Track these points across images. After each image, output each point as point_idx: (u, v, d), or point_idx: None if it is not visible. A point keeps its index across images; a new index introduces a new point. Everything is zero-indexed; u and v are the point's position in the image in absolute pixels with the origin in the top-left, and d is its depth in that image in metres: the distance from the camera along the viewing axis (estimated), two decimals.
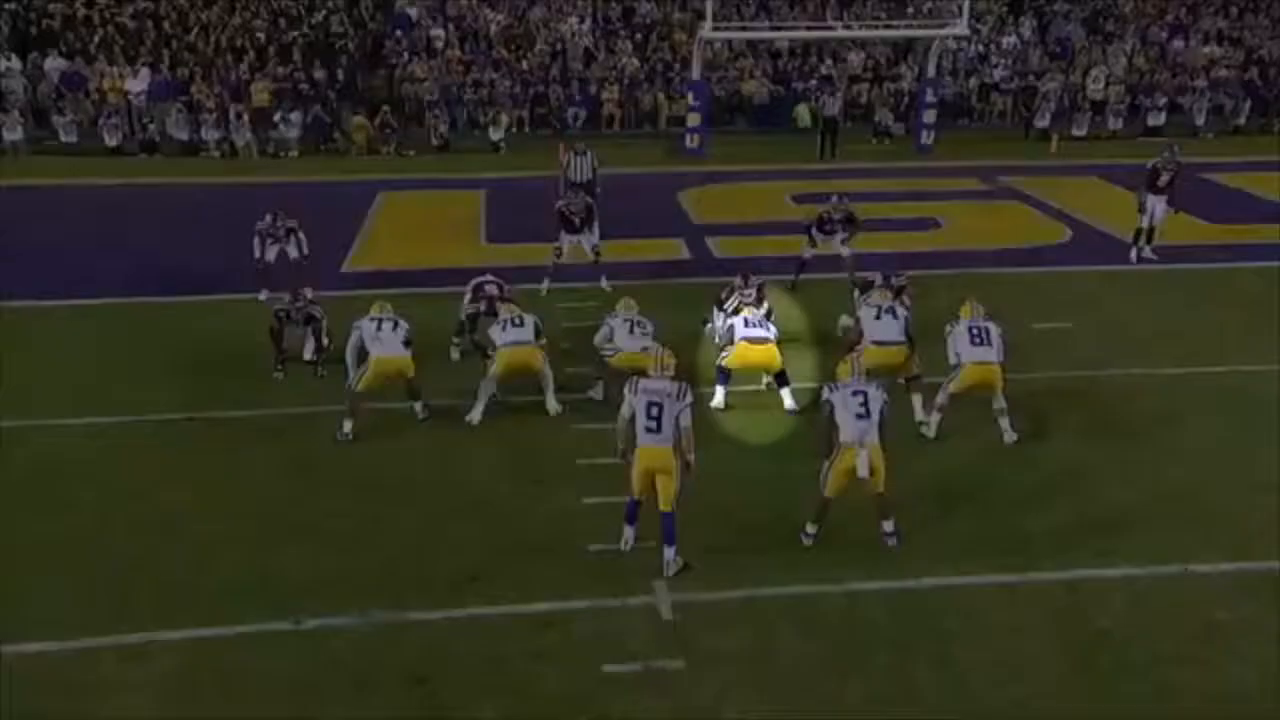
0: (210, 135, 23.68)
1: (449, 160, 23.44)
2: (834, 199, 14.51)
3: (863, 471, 7.98)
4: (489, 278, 12.02)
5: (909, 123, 25.94)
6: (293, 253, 13.72)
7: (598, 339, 10.91)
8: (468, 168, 22.31)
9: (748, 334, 10.64)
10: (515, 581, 7.85)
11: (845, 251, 14.11)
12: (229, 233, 16.10)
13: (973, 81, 28.56)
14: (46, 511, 8.71)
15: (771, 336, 10.69)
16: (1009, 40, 29.98)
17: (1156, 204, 15.46)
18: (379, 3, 28.87)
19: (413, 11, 28.61)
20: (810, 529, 8.37)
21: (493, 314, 11.14)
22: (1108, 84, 27.89)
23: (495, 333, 10.62)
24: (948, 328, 10.25)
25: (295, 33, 27.20)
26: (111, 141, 23.51)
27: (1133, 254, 15.64)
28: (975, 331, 10.06)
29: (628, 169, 22.08)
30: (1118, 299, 14.12)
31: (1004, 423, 10.08)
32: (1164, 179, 15.36)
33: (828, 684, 6.85)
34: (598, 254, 14.27)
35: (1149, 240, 15.68)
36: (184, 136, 23.87)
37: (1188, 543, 8.32)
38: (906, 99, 27.04)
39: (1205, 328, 12.94)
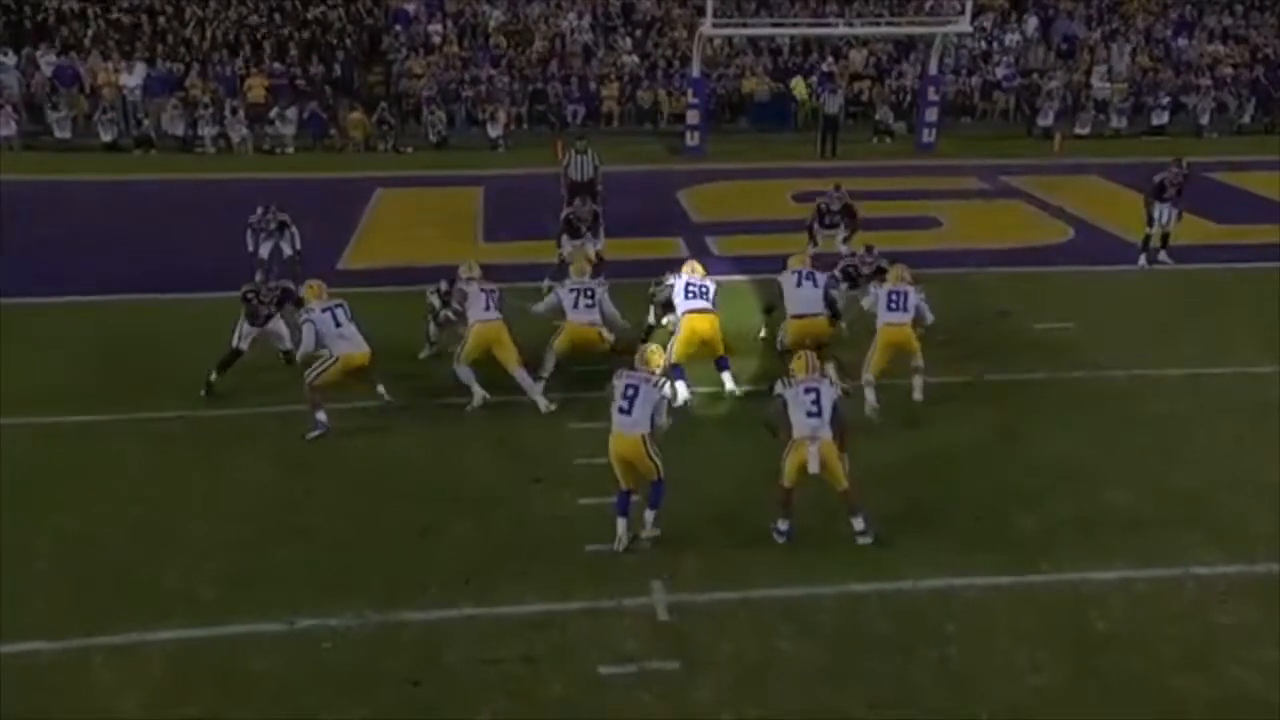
0: (206, 131, 23.55)
1: (447, 157, 23.37)
2: (832, 190, 14.50)
3: (813, 467, 7.93)
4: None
5: (911, 121, 25.84)
6: (286, 250, 13.59)
7: (541, 308, 11.07)
8: (465, 164, 22.23)
9: (690, 306, 10.58)
10: (510, 582, 7.77)
11: (845, 250, 14.00)
12: (223, 229, 16.03)
13: (975, 79, 28.48)
14: (36, 511, 8.61)
15: (712, 306, 10.62)
16: (1012, 38, 29.89)
17: (1163, 210, 15.28)
18: None
19: (411, 7, 28.50)
20: (781, 525, 8.26)
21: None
22: (1112, 82, 27.82)
23: (472, 310, 10.66)
24: (872, 291, 10.86)
25: (291, 28, 27.08)
26: (106, 137, 23.40)
27: (1141, 259, 15.44)
28: (893, 297, 10.51)
29: (627, 167, 22.00)
30: (1120, 299, 14.03)
31: (916, 380, 10.58)
32: (1170, 192, 15.19)
33: (824, 686, 6.76)
34: (600, 258, 14.05)
35: (1164, 244, 15.49)
36: (179, 132, 23.75)
37: (1189, 545, 8.22)
38: (909, 97, 26.94)
39: (1209, 329, 12.82)
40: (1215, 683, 6.76)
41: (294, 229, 13.59)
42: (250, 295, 10.90)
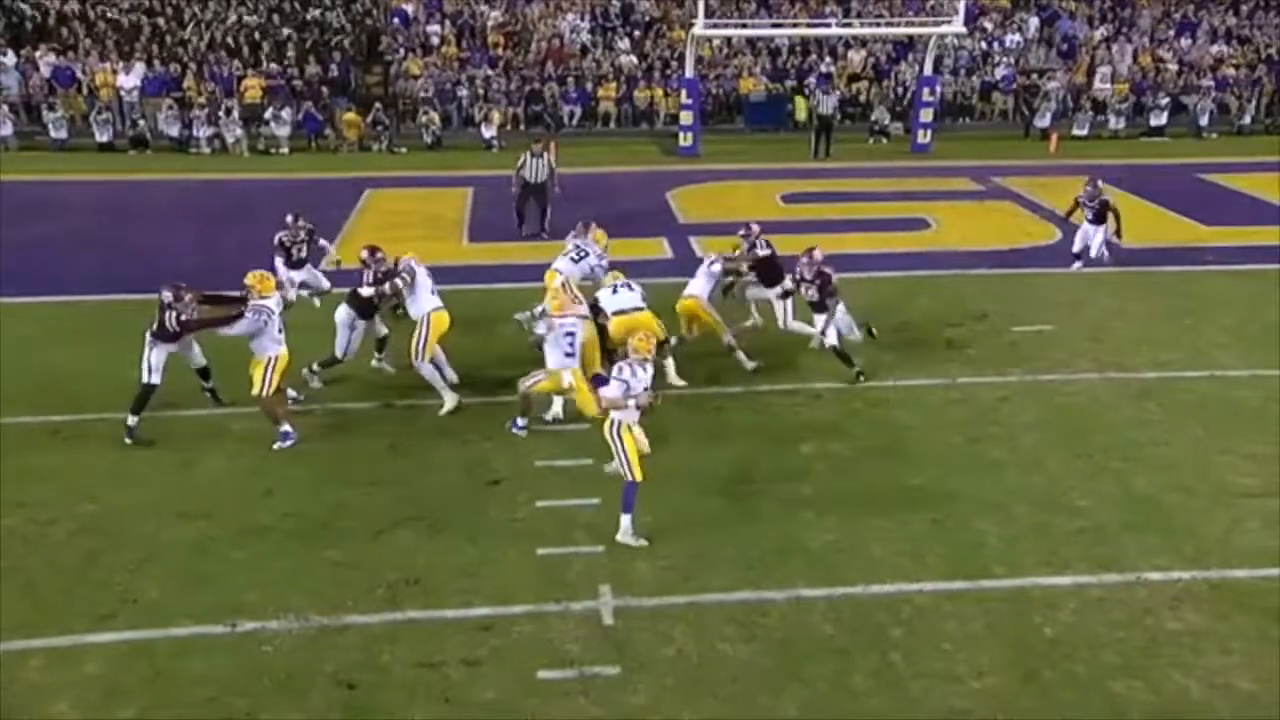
0: (201, 132, 23.63)
1: (440, 157, 23.38)
2: (804, 256, 11.31)
3: (566, 381, 9.54)
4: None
5: (908, 122, 25.70)
6: (323, 282, 13.08)
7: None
8: (458, 165, 22.24)
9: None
10: (459, 585, 7.77)
11: (828, 339, 11.20)
12: (212, 230, 16.24)
13: (974, 80, 28.34)
14: None
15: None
16: (1012, 38, 29.71)
17: (1090, 231, 14.91)
18: None
19: (409, 7, 28.55)
20: (521, 421, 9.92)
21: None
22: (1114, 83, 27.63)
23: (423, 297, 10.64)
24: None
25: (290, 29, 27.16)
26: (102, 137, 23.49)
27: (1076, 264, 15.09)
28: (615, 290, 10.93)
29: (620, 168, 22.06)
30: (1103, 301, 13.89)
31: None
32: (1089, 213, 14.82)
33: (765, 691, 6.73)
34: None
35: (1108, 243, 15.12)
36: (174, 133, 23.84)
37: (1145, 551, 8.16)
38: (907, 98, 26.80)
39: (1188, 331, 12.71)
40: (1156, 689, 6.70)
41: (322, 240, 13.35)
42: (172, 303, 9.74)
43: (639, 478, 8.30)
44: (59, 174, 21.30)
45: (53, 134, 23.60)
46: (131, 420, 9.82)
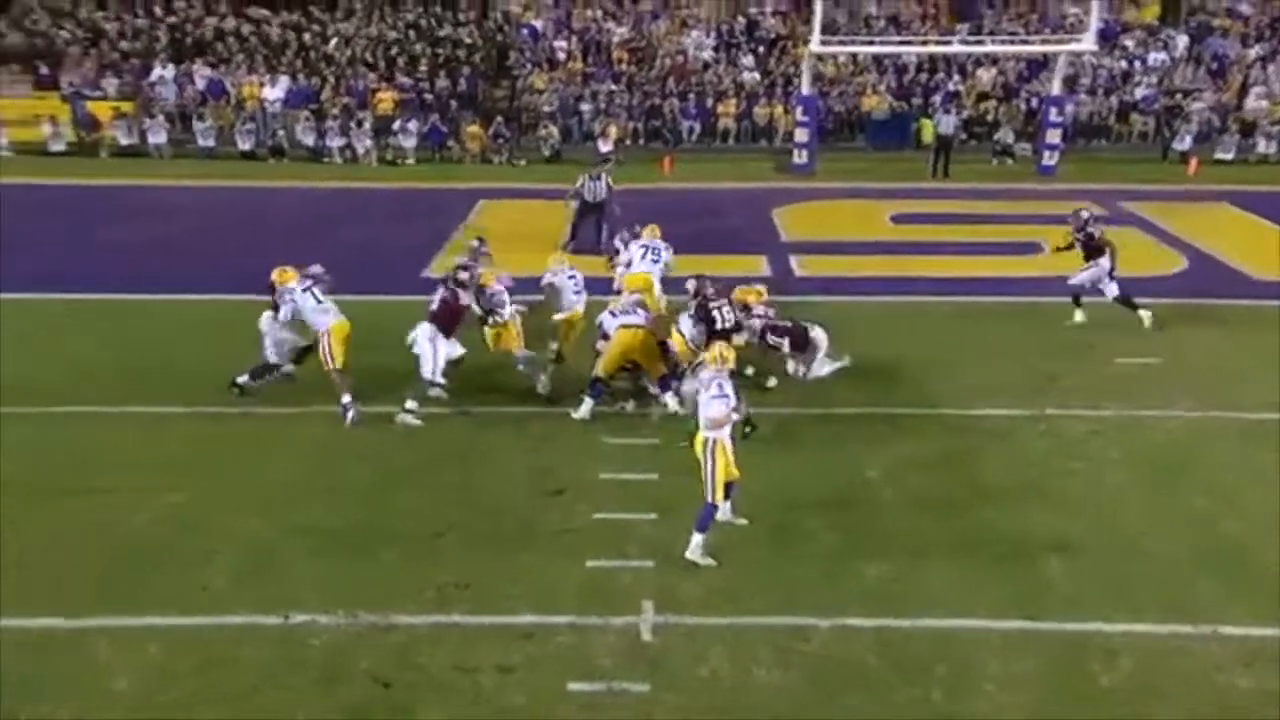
0: (334, 142, 24.70)
1: (556, 170, 23.72)
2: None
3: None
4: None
5: (1037, 143, 24.87)
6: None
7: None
8: (571, 178, 22.40)
9: (621, 324, 10.81)
10: (506, 592, 7.89)
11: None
12: (330, 234, 16.90)
13: (1112, 100, 27.24)
14: (73, 494, 9.14)
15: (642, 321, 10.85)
16: (1156, 56, 28.45)
17: (1094, 273, 13.41)
18: (508, 15, 29.63)
19: (539, 24, 29.23)
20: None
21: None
22: (1270, 103, 26.16)
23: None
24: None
25: (424, 44, 28.14)
26: (244, 146, 24.84)
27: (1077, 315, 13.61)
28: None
29: (729, 184, 22.11)
30: (1218, 334, 13.13)
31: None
32: (1078, 250, 13.37)
33: (791, 717, 6.62)
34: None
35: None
36: (310, 143, 25.00)
37: (1223, 602, 7.68)
38: (1038, 119, 25.94)
39: None
40: None
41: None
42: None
43: (720, 501, 8.26)
44: (205, 179, 22.62)
45: (200, 142, 25.11)
46: (243, 379, 11.00)
